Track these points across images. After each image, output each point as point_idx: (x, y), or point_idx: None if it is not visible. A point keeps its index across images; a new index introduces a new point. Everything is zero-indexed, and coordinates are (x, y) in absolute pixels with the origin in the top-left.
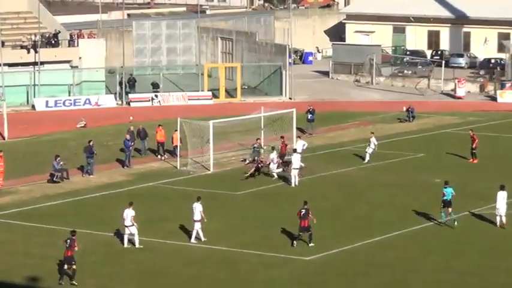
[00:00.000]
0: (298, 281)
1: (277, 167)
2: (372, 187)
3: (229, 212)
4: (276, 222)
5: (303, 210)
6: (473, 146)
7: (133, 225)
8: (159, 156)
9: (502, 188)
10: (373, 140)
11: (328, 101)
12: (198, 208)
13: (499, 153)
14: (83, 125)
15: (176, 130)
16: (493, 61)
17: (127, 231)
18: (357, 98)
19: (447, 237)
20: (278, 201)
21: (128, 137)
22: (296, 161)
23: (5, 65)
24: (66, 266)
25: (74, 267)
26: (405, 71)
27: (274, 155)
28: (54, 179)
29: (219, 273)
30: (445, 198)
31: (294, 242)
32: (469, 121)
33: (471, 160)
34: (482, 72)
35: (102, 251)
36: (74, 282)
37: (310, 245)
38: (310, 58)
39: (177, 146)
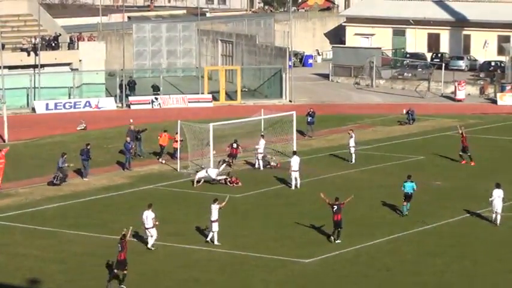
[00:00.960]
0: (296, 284)
1: (220, 173)
2: (372, 189)
3: (228, 214)
4: (275, 225)
5: (335, 207)
6: (464, 143)
7: (153, 227)
8: (160, 160)
9: (498, 186)
10: (353, 137)
11: (328, 104)
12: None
13: (498, 156)
14: (83, 127)
15: (177, 132)
16: (493, 64)
17: (148, 233)
18: (357, 101)
19: (447, 240)
20: (278, 203)
21: (128, 139)
22: (295, 163)
23: (5, 67)
24: (116, 270)
25: (125, 272)
26: (405, 74)
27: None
28: (54, 181)
29: (218, 276)
30: (406, 191)
31: (332, 237)
32: (469, 124)
33: (464, 161)
34: (482, 74)
35: (102, 253)
36: (123, 286)
37: (337, 241)
38: (310, 61)
39: (177, 148)
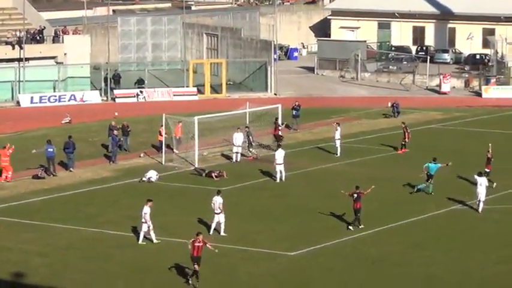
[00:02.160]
0: (281, 277)
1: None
2: (358, 182)
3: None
4: (260, 218)
5: (355, 195)
6: (405, 139)
7: (146, 222)
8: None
9: (480, 174)
10: (338, 130)
11: (313, 97)
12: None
13: (484, 149)
14: (67, 121)
15: (161, 126)
16: (478, 57)
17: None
18: (342, 94)
19: (433, 232)
20: (263, 196)
21: (115, 132)
22: (280, 156)
23: None
24: (194, 265)
25: (197, 268)
26: (390, 67)
27: None
28: (39, 175)
29: (203, 269)
30: (430, 173)
31: (351, 226)
32: (453, 116)
33: (400, 151)
34: (467, 67)
35: (88, 247)
36: (189, 280)
37: (360, 227)
38: (295, 54)
39: (162, 141)
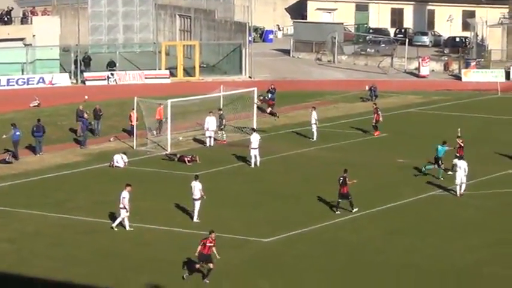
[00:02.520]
0: (256, 264)
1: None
2: (334, 167)
3: (185, 193)
4: (235, 204)
5: (341, 178)
6: (377, 120)
7: (124, 208)
8: (154, 133)
9: (460, 158)
10: (314, 114)
11: (289, 80)
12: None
13: (463, 133)
14: (36, 104)
15: (133, 109)
16: (457, 39)
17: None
18: (318, 77)
19: (412, 218)
20: (237, 182)
21: (86, 116)
22: (255, 140)
23: None
24: (198, 265)
25: (212, 266)
26: (368, 50)
27: None
28: (7, 159)
29: (176, 256)
30: (438, 155)
31: (335, 209)
32: (432, 100)
33: (376, 132)
34: (446, 50)
35: (56, 233)
36: (206, 280)
37: (354, 210)
38: (271, 36)
39: (133, 125)
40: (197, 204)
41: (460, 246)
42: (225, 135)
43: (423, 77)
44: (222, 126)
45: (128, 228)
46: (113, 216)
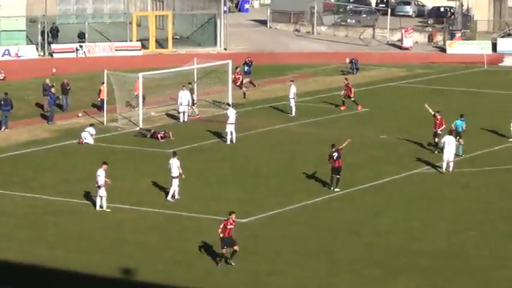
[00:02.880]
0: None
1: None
2: (313, 144)
3: (159, 171)
4: (209, 182)
5: (335, 154)
6: (350, 95)
7: (103, 186)
8: (135, 107)
9: (450, 133)
10: (293, 88)
11: (266, 52)
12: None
13: (447, 108)
14: (1, 77)
15: (103, 83)
16: (442, 10)
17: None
18: (296, 49)
19: (395, 197)
20: (213, 159)
21: (53, 90)
22: (231, 116)
23: None
24: (224, 250)
25: (236, 248)
26: (348, 20)
27: None
28: None
29: (149, 237)
30: (457, 130)
31: (329, 186)
32: (416, 73)
33: (342, 107)
34: (430, 21)
35: (22, 214)
36: (231, 262)
37: (336, 189)
38: (247, 6)
39: (103, 99)
40: (175, 182)
41: (445, 228)
42: (196, 110)
43: (406, 49)
44: (194, 101)
45: (104, 207)
46: (84, 196)
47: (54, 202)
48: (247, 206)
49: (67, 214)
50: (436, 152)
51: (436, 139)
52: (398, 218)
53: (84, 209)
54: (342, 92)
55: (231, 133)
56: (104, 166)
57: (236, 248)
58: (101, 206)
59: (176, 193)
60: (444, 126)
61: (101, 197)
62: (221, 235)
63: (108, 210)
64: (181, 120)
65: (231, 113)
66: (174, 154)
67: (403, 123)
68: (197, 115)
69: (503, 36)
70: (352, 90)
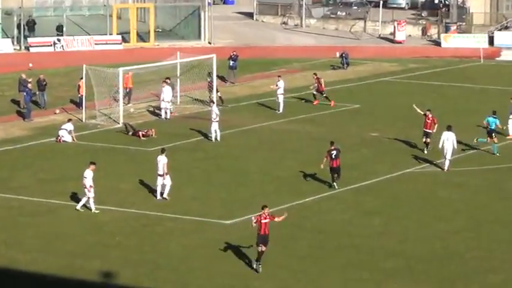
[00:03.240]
0: (216, 248)
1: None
2: (302, 142)
3: (141, 170)
4: (193, 182)
5: (334, 152)
6: (322, 90)
7: (86, 188)
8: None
9: (449, 128)
10: (281, 84)
11: (252, 46)
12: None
13: (442, 104)
14: None
15: (82, 78)
16: (436, 1)
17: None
18: (284, 43)
19: (387, 197)
20: (196, 158)
21: (30, 86)
22: (216, 112)
23: None
24: (260, 247)
25: (264, 248)
26: (338, 13)
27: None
28: None
29: (129, 240)
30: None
31: (330, 184)
32: (409, 68)
33: (315, 102)
34: (424, 13)
35: None
36: (254, 265)
37: (337, 187)
38: None
39: (82, 95)
40: (160, 180)
41: (439, 229)
42: (172, 107)
43: (399, 42)
44: (172, 97)
45: (78, 207)
46: (63, 196)
47: (31, 203)
48: (233, 206)
49: (45, 215)
50: (425, 152)
51: (428, 139)
52: (390, 219)
53: (63, 209)
54: (312, 87)
55: (216, 131)
56: (92, 166)
57: (264, 249)
58: (87, 207)
59: (166, 193)
60: (437, 125)
61: (89, 198)
62: (258, 233)
63: (97, 211)
64: (163, 117)
65: (215, 110)
66: (163, 151)
67: (395, 120)
68: (171, 113)
69: (500, 30)
70: (323, 84)
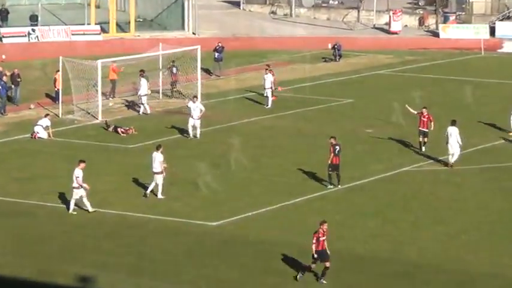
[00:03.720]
0: (201, 252)
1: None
2: (291, 139)
3: (121, 168)
4: (176, 182)
5: (337, 147)
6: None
7: (79, 187)
8: (107, 96)
9: (453, 123)
10: (269, 77)
11: (239, 37)
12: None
13: (440, 99)
14: None
15: (58, 71)
16: None
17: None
18: (273, 33)
19: (382, 198)
20: (178, 156)
21: (5, 79)
22: (196, 108)
23: None
24: (312, 264)
25: (328, 264)
26: (330, 1)
27: None
28: None
29: (108, 242)
30: None
31: (327, 183)
32: (405, 60)
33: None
34: (421, 2)
35: None
36: (323, 281)
37: (338, 186)
38: None
39: (59, 89)
40: (156, 178)
41: (438, 231)
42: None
43: (395, 33)
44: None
45: (90, 209)
46: (39, 196)
47: (5, 203)
48: (218, 207)
49: (19, 216)
50: (422, 151)
51: (426, 139)
52: (386, 221)
53: (39, 210)
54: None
55: (194, 128)
56: (82, 165)
57: (328, 264)
58: (79, 207)
59: (159, 192)
60: (433, 122)
61: (82, 196)
62: (315, 249)
63: (94, 210)
64: (141, 111)
65: (196, 106)
66: (158, 148)
67: (391, 116)
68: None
69: (502, 20)
70: (274, 77)
